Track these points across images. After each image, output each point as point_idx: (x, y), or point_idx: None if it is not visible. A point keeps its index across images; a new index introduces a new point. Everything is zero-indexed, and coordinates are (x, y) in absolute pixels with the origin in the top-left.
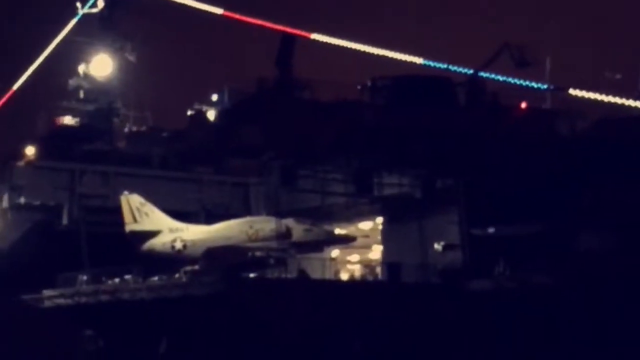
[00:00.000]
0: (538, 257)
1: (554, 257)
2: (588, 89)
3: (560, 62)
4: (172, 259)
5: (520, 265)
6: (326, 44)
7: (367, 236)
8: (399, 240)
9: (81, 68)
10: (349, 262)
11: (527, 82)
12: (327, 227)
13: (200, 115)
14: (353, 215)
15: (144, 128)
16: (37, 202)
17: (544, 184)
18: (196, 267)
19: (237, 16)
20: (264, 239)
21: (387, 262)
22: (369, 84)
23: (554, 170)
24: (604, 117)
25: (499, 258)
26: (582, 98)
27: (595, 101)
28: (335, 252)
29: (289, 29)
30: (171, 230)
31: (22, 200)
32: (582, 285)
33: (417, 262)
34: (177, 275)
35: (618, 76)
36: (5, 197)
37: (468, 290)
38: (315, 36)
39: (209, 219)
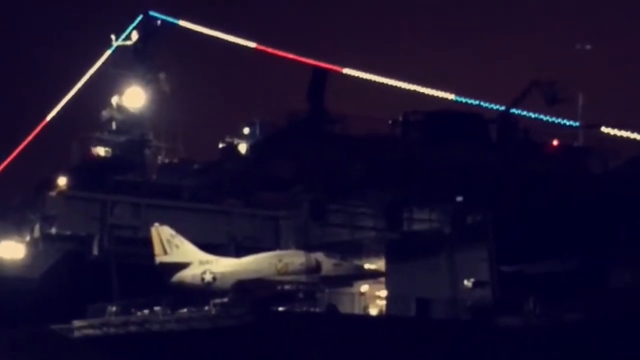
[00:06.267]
0: (570, 295)
1: (586, 293)
2: (620, 127)
3: (594, 100)
4: (202, 292)
5: (551, 302)
6: (358, 78)
7: None
8: (427, 276)
9: (114, 99)
10: (379, 297)
11: (559, 120)
12: (356, 261)
13: (232, 148)
14: (383, 249)
15: (175, 160)
16: (68, 232)
17: (576, 222)
18: (225, 299)
19: (269, 50)
20: (293, 273)
21: (417, 297)
22: (401, 118)
23: (586, 208)
24: (636, 156)
25: (529, 295)
26: (615, 136)
27: (628, 139)
28: (364, 287)
29: (320, 63)
30: (201, 263)
31: (53, 230)
32: (616, 322)
33: (446, 297)
34: (206, 308)
35: None
36: (37, 227)
37: (497, 327)
38: (347, 71)
39: (239, 252)
